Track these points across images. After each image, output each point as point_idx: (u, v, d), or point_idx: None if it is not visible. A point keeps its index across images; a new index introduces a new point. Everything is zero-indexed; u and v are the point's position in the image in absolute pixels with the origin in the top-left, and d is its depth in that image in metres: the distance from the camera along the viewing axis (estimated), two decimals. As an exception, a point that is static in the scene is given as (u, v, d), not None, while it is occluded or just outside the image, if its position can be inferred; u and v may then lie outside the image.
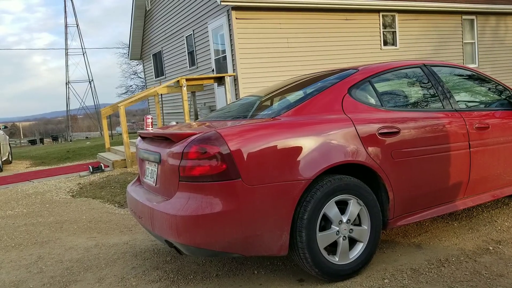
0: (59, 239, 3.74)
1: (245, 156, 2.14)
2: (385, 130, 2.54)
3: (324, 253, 2.31)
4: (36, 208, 5.19)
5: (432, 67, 3.09)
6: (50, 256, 3.28)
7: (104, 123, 9.81)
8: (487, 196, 3.07)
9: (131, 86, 34.92)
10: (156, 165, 2.51)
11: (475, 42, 11.57)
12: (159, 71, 13.32)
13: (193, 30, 10.28)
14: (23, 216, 4.81)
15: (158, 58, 13.27)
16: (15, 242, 3.75)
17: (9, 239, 3.88)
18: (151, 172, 2.62)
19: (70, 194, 5.92)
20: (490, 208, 3.60)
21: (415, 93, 2.99)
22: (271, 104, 2.95)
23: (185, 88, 8.25)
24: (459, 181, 2.86)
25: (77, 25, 57.37)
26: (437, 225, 3.25)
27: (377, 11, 9.90)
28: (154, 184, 2.56)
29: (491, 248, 2.72)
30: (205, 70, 10.03)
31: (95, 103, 58.26)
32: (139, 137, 3.03)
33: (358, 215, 2.44)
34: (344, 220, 2.37)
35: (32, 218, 4.67)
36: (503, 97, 3.33)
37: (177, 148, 2.26)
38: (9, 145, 11.10)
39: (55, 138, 39.26)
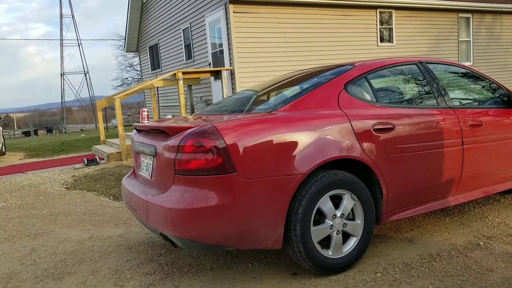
0: (53, 231, 3.74)
1: (241, 150, 2.15)
2: (380, 126, 2.56)
3: (318, 247, 2.33)
4: (29, 200, 5.17)
5: (427, 64, 3.11)
6: (43, 248, 3.28)
7: (100, 115, 9.76)
8: (478, 192, 3.11)
9: (127, 78, 34.69)
10: (152, 158, 2.51)
11: (470, 40, 11.63)
12: (156, 64, 13.25)
13: (190, 23, 10.22)
14: (17, 208, 4.79)
15: (154, 51, 13.19)
16: (8, 234, 3.74)
17: (2, 231, 3.87)
18: (147, 165, 2.62)
19: (65, 186, 5.90)
20: (482, 204, 3.65)
21: (411, 89, 3.01)
22: (268, 98, 2.95)
23: (181, 82, 8.22)
24: (452, 178, 2.89)
25: (73, 16, 56.84)
26: (429, 221, 3.29)
27: (375, 7, 9.90)
28: (149, 177, 2.56)
29: (481, 243, 2.76)
30: (202, 63, 9.99)
31: (90, 95, 57.88)
32: (134, 130, 3.02)
33: (352, 209, 2.47)
34: (338, 214, 2.39)
35: (26, 210, 4.66)
36: (497, 95, 3.36)
37: (173, 141, 2.26)
38: (3, 136, 11.02)
39: (49, 130, 39.00)
